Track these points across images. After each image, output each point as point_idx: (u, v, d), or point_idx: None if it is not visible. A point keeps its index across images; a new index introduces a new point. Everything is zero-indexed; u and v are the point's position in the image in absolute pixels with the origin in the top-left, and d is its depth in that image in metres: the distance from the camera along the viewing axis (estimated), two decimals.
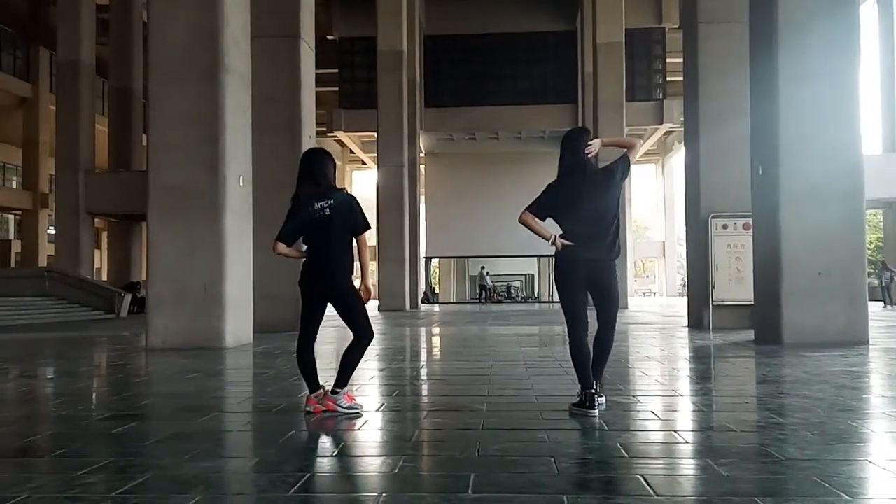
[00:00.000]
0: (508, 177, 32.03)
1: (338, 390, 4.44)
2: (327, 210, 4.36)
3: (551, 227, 4.46)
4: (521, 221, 4.49)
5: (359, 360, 4.51)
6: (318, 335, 4.61)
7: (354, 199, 4.50)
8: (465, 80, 32.91)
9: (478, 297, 36.60)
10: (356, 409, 4.48)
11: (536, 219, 4.45)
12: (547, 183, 4.58)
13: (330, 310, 4.51)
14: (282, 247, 4.45)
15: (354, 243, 4.49)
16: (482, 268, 35.58)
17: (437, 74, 32.77)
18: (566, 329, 4.46)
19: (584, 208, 4.38)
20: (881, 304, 22.03)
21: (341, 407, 4.43)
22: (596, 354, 4.44)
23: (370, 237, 4.58)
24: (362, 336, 4.47)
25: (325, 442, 3.95)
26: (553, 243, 4.40)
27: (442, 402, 5.26)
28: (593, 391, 4.31)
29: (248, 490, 3.00)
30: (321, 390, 4.51)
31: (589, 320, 4.42)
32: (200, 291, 9.49)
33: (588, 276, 4.39)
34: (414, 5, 28.18)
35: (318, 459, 3.59)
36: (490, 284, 36.29)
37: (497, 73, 32.83)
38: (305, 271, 4.47)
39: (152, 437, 4.00)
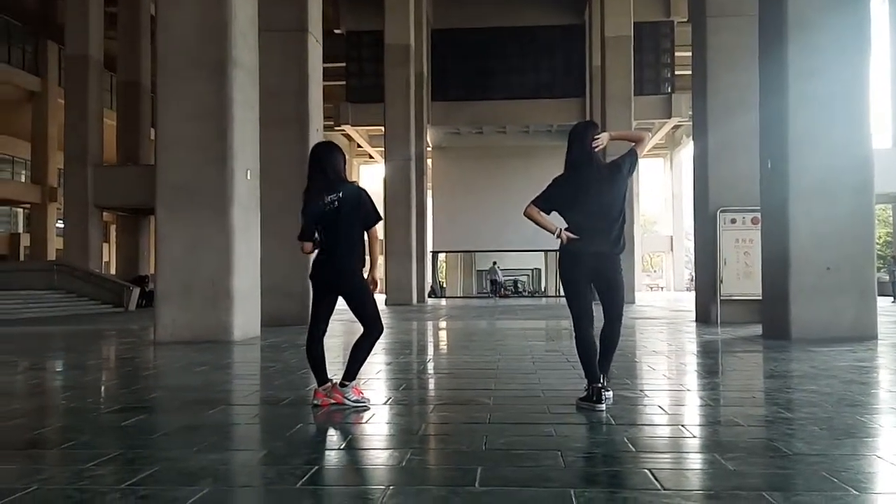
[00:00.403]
0: (516, 171, 31.98)
1: (346, 383, 4.46)
2: (336, 203, 4.37)
3: (557, 221, 4.46)
4: (527, 215, 4.48)
5: (368, 354, 4.52)
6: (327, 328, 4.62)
7: (364, 191, 4.51)
8: (472, 74, 32.81)
9: (488, 291, 36.47)
10: (364, 402, 4.49)
11: (542, 212, 4.45)
12: (554, 177, 4.57)
13: (341, 303, 4.52)
14: (309, 246, 4.49)
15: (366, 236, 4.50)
16: (494, 262, 35.49)
17: (445, 68, 32.69)
18: (572, 323, 4.46)
19: (589, 202, 4.36)
20: (890, 298, 21.93)
21: (349, 400, 4.44)
22: (602, 349, 4.44)
23: (378, 230, 4.58)
24: (372, 330, 4.48)
25: (333, 435, 3.96)
26: (558, 236, 4.39)
27: (449, 396, 5.27)
28: (600, 385, 4.30)
29: (256, 482, 3.01)
30: (329, 383, 4.52)
31: (595, 314, 4.41)
32: (208, 285, 9.52)
33: (593, 270, 4.38)
34: None
35: (326, 452, 3.60)
36: (501, 279, 36.17)
37: (504, 66, 32.73)
38: (316, 264, 4.48)
39: (160, 429, 4.02)
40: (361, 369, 4.58)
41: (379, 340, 4.60)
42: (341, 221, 4.37)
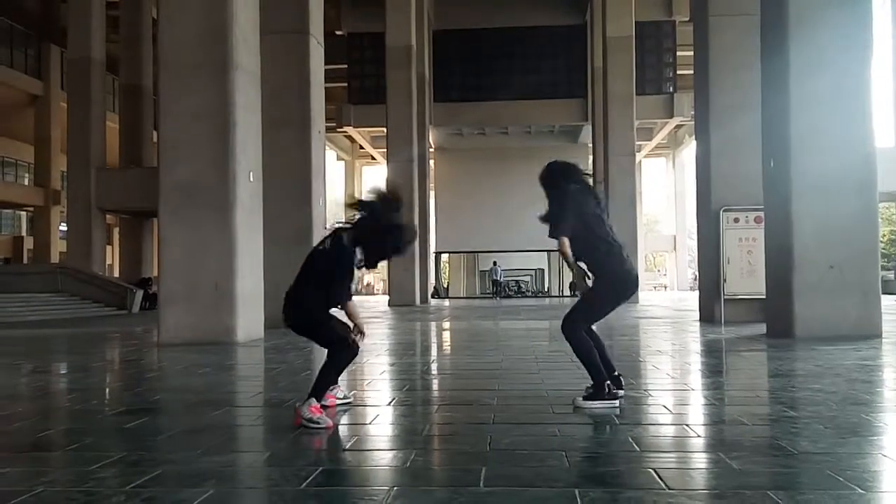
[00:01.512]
0: (518, 171, 31.95)
1: (311, 399, 3.98)
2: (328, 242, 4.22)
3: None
4: (561, 252, 4.44)
5: (336, 374, 4.14)
6: None
7: (345, 245, 4.12)
8: (474, 75, 32.85)
9: (491, 292, 36.36)
10: (320, 423, 3.90)
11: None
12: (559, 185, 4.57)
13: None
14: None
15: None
16: (494, 262, 35.44)
17: (446, 69, 32.72)
18: (572, 328, 4.45)
19: (610, 226, 4.46)
20: (895, 297, 21.88)
21: (303, 417, 3.92)
22: (598, 350, 4.53)
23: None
24: (338, 351, 4.09)
25: (337, 436, 3.95)
26: (582, 277, 4.47)
27: (453, 397, 5.26)
28: (608, 380, 4.36)
29: (260, 484, 3.01)
30: (336, 387, 4.48)
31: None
32: (211, 287, 9.52)
33: None
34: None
35: (330, 453, 3.60)
36: (502, 279, 36.06)
37: (506, 67, 32.75)
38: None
39: (164, 431, 4.02)
40: (362, 370, 4.56)
41: (382, 342, 4.59)
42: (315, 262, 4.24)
